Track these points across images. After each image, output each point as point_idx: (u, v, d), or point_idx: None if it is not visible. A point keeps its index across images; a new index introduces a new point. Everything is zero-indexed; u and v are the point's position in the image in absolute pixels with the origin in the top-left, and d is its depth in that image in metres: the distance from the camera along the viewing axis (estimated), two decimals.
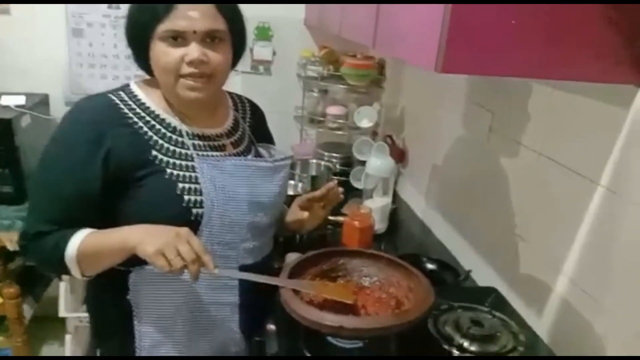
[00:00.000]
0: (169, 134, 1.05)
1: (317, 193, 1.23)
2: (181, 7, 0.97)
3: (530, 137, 1.29)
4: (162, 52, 1.00)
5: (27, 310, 2.13)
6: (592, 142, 1.06)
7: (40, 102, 2.19)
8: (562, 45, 0.86)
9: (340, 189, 1.25)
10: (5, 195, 1.91)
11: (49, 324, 2.27)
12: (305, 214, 1.25)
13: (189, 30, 0.98)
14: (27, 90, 2.17)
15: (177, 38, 0.99)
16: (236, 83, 2.28)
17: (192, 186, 1.03)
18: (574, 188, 1.11)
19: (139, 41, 1.02)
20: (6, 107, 1.99)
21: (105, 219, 1.00)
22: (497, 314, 1.16)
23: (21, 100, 2.06)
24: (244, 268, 1.10)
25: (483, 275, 1.47)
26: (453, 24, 0.81)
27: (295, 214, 1.27)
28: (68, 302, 2.10)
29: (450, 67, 0.84)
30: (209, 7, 1.00)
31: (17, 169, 1.90)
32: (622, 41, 0.88)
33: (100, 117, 1.01)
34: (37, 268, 1.05)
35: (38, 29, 2.21)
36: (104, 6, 2.24)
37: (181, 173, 1.03)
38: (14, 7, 2.17)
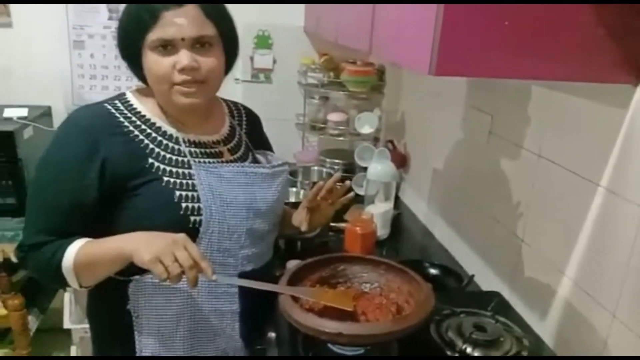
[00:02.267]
0: (165, 142, 1.05)
1: (315, 190, 1.22)
2: (167, 15, 0.97)
3: (529, 139, 1.28)
4: (153, 62, 1.00)
5: (32, 322, 2.13)
6: (591, 143, 1.06)
7: (43, 114, 2.21)
8: (556, 46, 0.86)
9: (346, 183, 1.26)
10: (8, 207, 1.93)
11: (54, 335, 2.26)
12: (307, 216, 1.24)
13: (177, 38, 0.98)
14: (29, 103, 2.19)
15: (167, 46, 0.99)
16: (237, 92, 2.29)
17: (190, 193, 1.02)
18: (574, 189, 1.10)
19: (131, 52, 1.03)
20: (8, 120, 2.02)
21: (102, 229, 0.99)
22: (500, 318, 1.15)
23: (23, 112, 2.08)
24: (243, 275, 1.09)
25: (486, 279, 1.46)
26: (445, 26, 0.81)
27: (300, 215, 1.26)
28: (73, 313, 2.11)
29: (444, 69, 0.83)
30: (196, 13, 0.99)
31: (20, 181, 1.93)
32: (617, 41, 0.87)
33: (95, 126, 1.01)
34: (37, 280, 1.04)
35: (40, 42, 2.23)
36: (104, 17, 2.26)
37: (178, 180, 1.03)
38: (15, 20, 2.20)
